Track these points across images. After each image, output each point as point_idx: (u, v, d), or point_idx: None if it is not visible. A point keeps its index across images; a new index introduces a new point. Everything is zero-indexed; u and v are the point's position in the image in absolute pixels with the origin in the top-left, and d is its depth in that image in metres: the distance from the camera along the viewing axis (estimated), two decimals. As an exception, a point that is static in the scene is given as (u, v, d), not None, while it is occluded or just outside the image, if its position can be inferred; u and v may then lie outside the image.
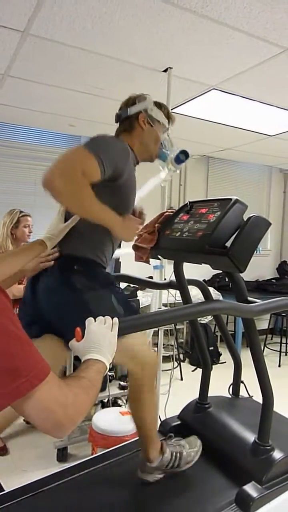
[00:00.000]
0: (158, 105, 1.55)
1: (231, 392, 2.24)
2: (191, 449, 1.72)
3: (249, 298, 1.60)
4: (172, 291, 2.50)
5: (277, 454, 1.64)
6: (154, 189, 2.33)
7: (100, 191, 1.21)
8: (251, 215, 1.49)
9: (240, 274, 1.55)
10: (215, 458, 1.78)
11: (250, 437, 1.74)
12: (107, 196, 1.28)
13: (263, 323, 5.10)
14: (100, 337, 1.00)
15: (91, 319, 1.04)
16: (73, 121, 3.64)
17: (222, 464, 1.73)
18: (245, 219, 1.50)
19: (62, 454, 2.46)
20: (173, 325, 3.61)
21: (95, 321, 1.04)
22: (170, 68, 2.37)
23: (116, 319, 1.06)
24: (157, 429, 1.67)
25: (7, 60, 2.34)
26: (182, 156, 1.61)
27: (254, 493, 1.52)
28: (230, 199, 1.57)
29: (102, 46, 2.16)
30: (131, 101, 1.52)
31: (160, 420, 2.25)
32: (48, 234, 1.37)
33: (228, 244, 1.46)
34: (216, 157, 5.11)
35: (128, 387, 1.61)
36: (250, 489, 1.54)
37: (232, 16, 1.83)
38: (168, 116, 1.57)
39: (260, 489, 1.54)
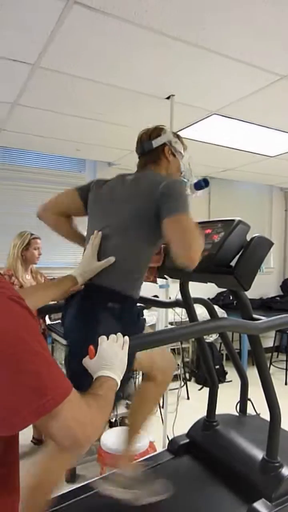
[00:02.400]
0: (176, 135, 1.64)
1: (238, 410, 2.25)
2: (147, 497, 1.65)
3: (254, 316, 1.64)
4: (178, 309, 2.55)
5: (286, 471, 1.66)
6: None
7: None
8: (254, 235, 1.55)
9: (247, 293, 1.60)
10: (224, 475, 1.79)
11: (259, 454, 1.76)
12: None
13: (268, 341, 5.09)
14: (112, 355, 1.04)
15: (103, 337, 1.08)
16: (79, 146, 3.75)
17: (231, 481, 1.74)
18: (248, 239, 1.56)
19: (71, 475, 2.46)
20: (179, 344, 3.63)
21: (107, 339, 1.09)
22: (173, 95, 2.48)
23: (127, 338, 1.10)
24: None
25: (17, 90, 2.45)
26: (202, 183, 1.70)
27: (264, 511, 1.53)
28: (234, 220, 1.63)
29: (107, 77, 2.27)
30: (155, 134, 1.58)
31: (168, 439, 2.26)
32: (80, 270, 1.40)
33: (232, 263, 1.52)
34: (218, 178, 5.21)
35: (141, 383, 1.67)
36: (260, 506, 1.56)
37: (229, 47, 1.94)
38: (183, 144, 1.65)
39: (270, 506, 1.55)
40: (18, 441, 0.83)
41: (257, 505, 1.56)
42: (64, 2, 1.60)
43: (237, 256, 1.52)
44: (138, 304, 1.55)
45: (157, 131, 1.60)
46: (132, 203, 1.44)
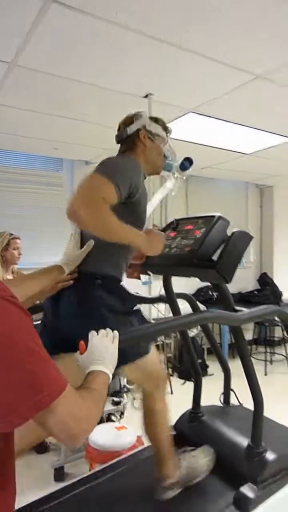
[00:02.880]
0: (155, 119, 1.63)
1: (222, 401, 2.31)
2: (204, 458, 1.76)
3: (236, 308, 1.70)
4: (160, 307, 2.59)
5: (269, 456, 1.72)
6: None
7: (119, 210, 1.27)
8: (234, 230, 1.60)
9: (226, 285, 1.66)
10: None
11: (244, 441, 1.81)
12: (126, 213, 1.34)
13: (247, 334, 5.21)
14: (103, 349, 1.06)
15: (93, 332, 1.10)
16: (56, 145, 3.74)
17: (218, 469, 1.79)
18: (228, 234, 1.61)
19: (59, 474, 2.46)
20: (163, 340, 3.68)
21: (97, 334, 1.11)
22: (151, 94, 2.52)
23: (116, 332, 1.12)
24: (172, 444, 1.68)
25: (-6, 89, 2.44)
26: (187, 163, 1.70)
27: (251, 494, 1.60)
28: (214, 216, 1.68)
29: (85, 75, 2.29)
30: (128, 120, 1.58)
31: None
32: (65, 259, 1.42)
33: (214, 257, 1.57)
34: (195, 175, 5.29)
35: (142, 406, 1.64)
36: (247, 490, 1.62)
37: (205, 47, 1.99)
38: (165, 128, 1.65)
39: (255, 489, 1.61)
40: (13, 438, 0.84)
41: (244, 489, 1.62)
42: (42, 0, 1.60)
43: (219, 251, 1.57)
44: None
45: (131, 117, 1.59)
46: None
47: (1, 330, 0.70)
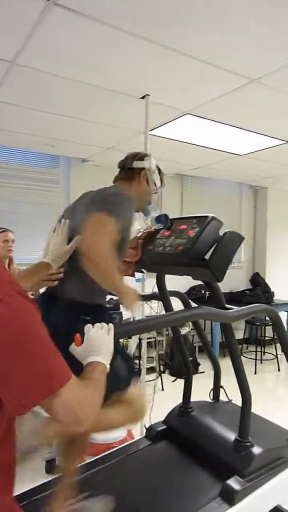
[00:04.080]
0: (158, 169, 1.74)
1: (211, 397, 2.37)
2: (99, 507, 1.66)
3: (227, 305, 1.76)
4: (153, 305, 2.64)
5: (256, 450, 1.78)
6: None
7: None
8: (226, 230, 1.65)
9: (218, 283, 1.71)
10: (199, 457, 1.90)
11: (231, 436, 1.88)
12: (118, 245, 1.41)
13: (238, 333, 5.28)
14: (99, 341, 1.11)
15: (89, 325, 1.15)
16: (54, 142, 3.77)
17: (206, 462, 1.85)
18: (221, 234, 1.67)
19: (51, 466, 2.50)
20: (155, 336, 3.73)
21: (93, 327, 1.15)
22: (148, 95, 2.56)
23: (111, 324, 1.17)
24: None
25: (-7, 86, 2.46)
26: (163, 219, 1.81)
27: (237, 486, 1.65)
28: (207, 217, 1.73)
29: (84, 75, 2.32)
30: (139, 156, 1.71)
31: (146, 427, 2.35)
32: (53, 256, 1.45)
33: (207, 256, 1.62)
34: (190, 175, 5.34)
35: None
36: (233, 482, 1.68)
37: (202, 51, 2.03)
38: (161, 181, 1.76)
39: (242, 482, 1.67)
40: (14, 423, 0.89)
41: (230, 481, 1.68)
42: (44, 2, 1.64)
43: (211, 250, 1.62)
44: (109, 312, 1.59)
45: (143, 155, 1.72)
46: (82, 211, 1.49)
47: (19, 322, 0.77)
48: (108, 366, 1.08)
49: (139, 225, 1.94)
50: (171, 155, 4.15)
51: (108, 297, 3.62)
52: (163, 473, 1.86)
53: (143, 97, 2.59)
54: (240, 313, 1.68)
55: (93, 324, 1.24)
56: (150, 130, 3.18)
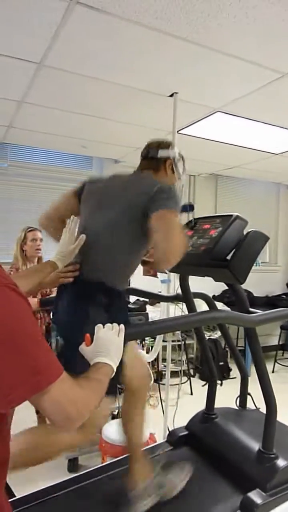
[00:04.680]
0: (182, 157, 1.70)
1: (238, 404, 2.28)
2: (180, 474, 1.73)
3: (251, 309, 1.68)
4: (183, 307, 2.58)
5: (281, 462, 1.69)
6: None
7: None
8: (250, 230, 1.58)
9: (253, 291, 1.63)
10: (220, 466, 1.83)
11: (255, 446, 1.79)
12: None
13: (273, 339, 5.09)
14: (108, 342, 1.09)
15: (100, 325, 1.13)
16: (85, 143, 3.81)
17: (227, 472, 1.78)
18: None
19: (73, 465, 2.51)
20: (182, 340, 3.66)
21: (103, 327, 1.13)
22: (176, 93, 2.51)
23: (122, 326, 1.14)
24: (143, 449, 1.72)
25: (24, 88, 2.51)
26: (188, 207, 1.77)
27: (258, 500, 1.57)
28: (231, 215, 1.67)
29: (111, 75, 2.32)
30: (163, 145, 1.66)
31: (169, 430, 2.30)
32: (59, 255, 1.45)
33: (229, 257, 1.55)
34: (225, 175, 5.23)
35: (123, 401, 1.65)
36: (255, 496, 1.59)
37: (231, 45, 1.97)
38: (184, 169, 1.72)
39: (264, 496, 1.59)
40: (6, 417, 0.88)
41: (252, 494, 1.60)
42: (67, 2, 1.64)
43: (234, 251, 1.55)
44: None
45: (167, 144, 1.68)
46: (122, 201, 1.47)
47: (7, 316, 0.75)
48: (115, 368, 1.05)
49: None
50: (204, 155, 4.08)
51: (134, 298, 3.62)
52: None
53: (171, 95, 2.55)
54: (264, 317, 1.60)
55: (106, 308, 1.22)
56: (180, 130, 3.14)
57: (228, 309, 4.47)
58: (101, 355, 1.05)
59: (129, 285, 1.56)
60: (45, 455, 1.48)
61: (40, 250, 2.82)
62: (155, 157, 1.64)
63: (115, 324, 1.15)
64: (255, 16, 1.72)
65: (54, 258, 1.45)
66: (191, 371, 4.49)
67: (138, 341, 3.05)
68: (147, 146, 1.69)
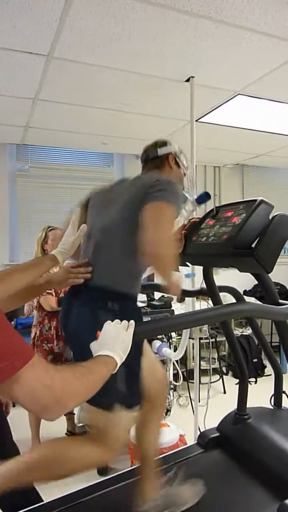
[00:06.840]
0: (180, 151, 1.66)
1: (272, 403, 2.14)
2: (190, 491, 1.62)
3: (281, 301, 1.53)
4: (208, 300, 2.46)
5: None
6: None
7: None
8: (276, 214, 1.44)
9: (281, 281, 1.50)
10: (254, 470, 1.70)
11: (292, 449, 1.65)
12: None
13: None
14: (114, 335, 1.03)
15: (108, 321, 1.07)
16: (105, 139, 3.74)
17: (262, 476, 1.65)
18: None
19: (103, 468, 2.45)
20: (211, 337, 3.53)
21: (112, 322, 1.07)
22: (192, 77, 2.39)
23: (132, 321, 1.07)
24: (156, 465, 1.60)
25: (36, 84, 2.46)
26: (204, 197, 1.69)
27: (297, 509, 1.43)
28: (255, 200, 1.53)
29: (122, 62, 2.23)
30: (160, 143, 1.62)
31: (200, 431, 2.19)
32: (60, 247, 1.40)
33: (254, 245, 1.42)
34: (251, 165, 5.03)
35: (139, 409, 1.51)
36: (293, 504, 1.45)
37: (248, 18, 1.83)
38: (186, 161, 1.68)
39: (303, 504, 1.44)
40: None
41: (290, 502, 1.46)
42: (69, -15, 1.57)
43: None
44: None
45: (163, 142, 1.64)
46: (123, 199, 1.41)
47: None
48: (118, 361, 0.98)
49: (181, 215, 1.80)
50: (227, 144, 3.92)
51: (159, 294, 3.52)
52: (214, 485, 1.69)
53: (187, 80, 2.42)
54: (295, 309, 1.45)
55: (120, 315, 1.14)
56: (199, 118, 3.01)
57: (259, 303, 4.30)
58: (104, 347, 1.00)
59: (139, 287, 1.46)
60: (69, 470, 1.38)
61: None
62: (156, 157, 1.60)
63: (124, 320, 1.07)
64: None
65: (55, 251, 1.40)
66: (224, 369, 4.34)
67: (165, 339, 2.96)
68: (144, 151, 1.67)
